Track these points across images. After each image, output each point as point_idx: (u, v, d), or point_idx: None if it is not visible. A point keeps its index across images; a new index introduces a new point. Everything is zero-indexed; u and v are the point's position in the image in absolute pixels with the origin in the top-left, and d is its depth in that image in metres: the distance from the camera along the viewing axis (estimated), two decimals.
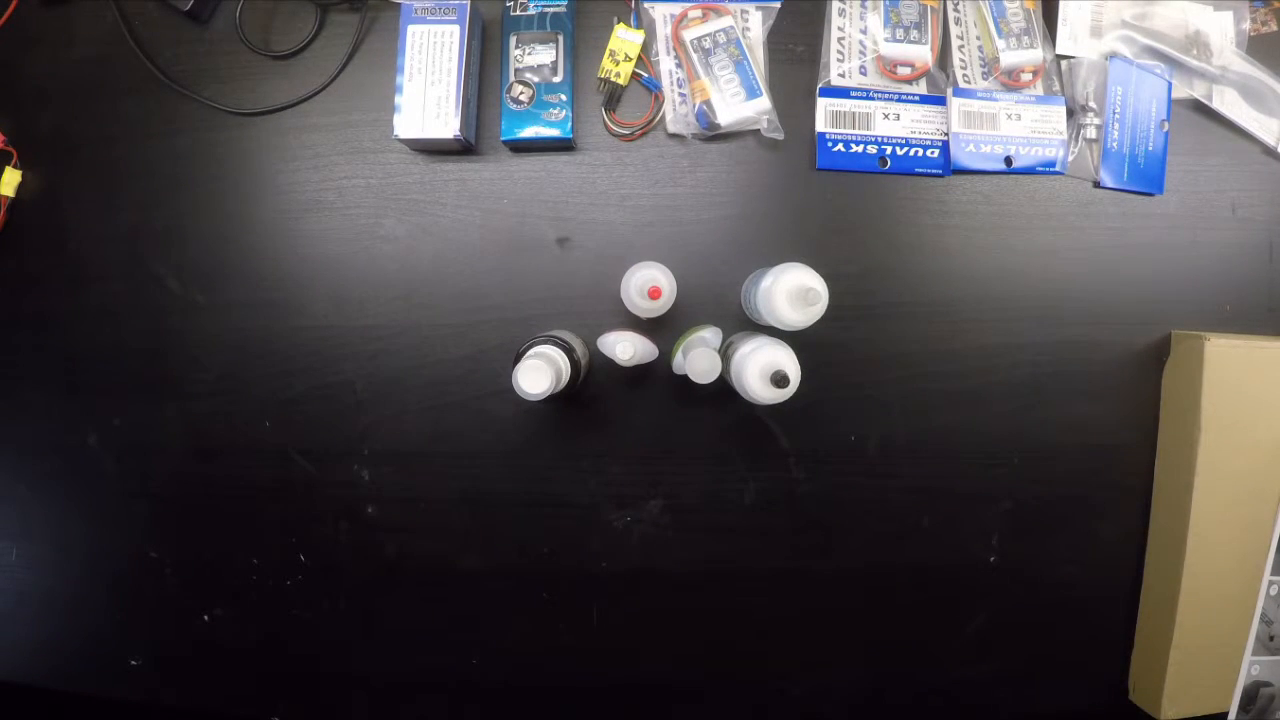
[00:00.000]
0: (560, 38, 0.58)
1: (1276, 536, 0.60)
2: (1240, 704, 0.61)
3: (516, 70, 0.58)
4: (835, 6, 0.61)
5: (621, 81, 0.59)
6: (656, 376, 0.60)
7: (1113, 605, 0.64)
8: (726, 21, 0.58)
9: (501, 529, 0.62)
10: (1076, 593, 0.64)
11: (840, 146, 0.60)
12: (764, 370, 0.49)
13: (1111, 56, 0.61)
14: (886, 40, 0.60)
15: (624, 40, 0.58)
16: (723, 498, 0.61)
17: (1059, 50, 0.62)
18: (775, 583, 0.63)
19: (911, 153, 0.61)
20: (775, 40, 0.60)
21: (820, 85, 0.60)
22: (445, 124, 0.55)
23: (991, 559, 0.63)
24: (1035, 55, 0.60)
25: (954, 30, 0.62)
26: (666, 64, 0.59)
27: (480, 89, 0.60)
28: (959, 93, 0.61)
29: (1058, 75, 0.62)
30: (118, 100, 0.60)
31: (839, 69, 0.61)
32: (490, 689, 0.63)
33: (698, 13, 0.59)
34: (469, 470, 0.61)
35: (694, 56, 0.57)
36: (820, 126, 0.60)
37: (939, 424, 0.62)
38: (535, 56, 0.58)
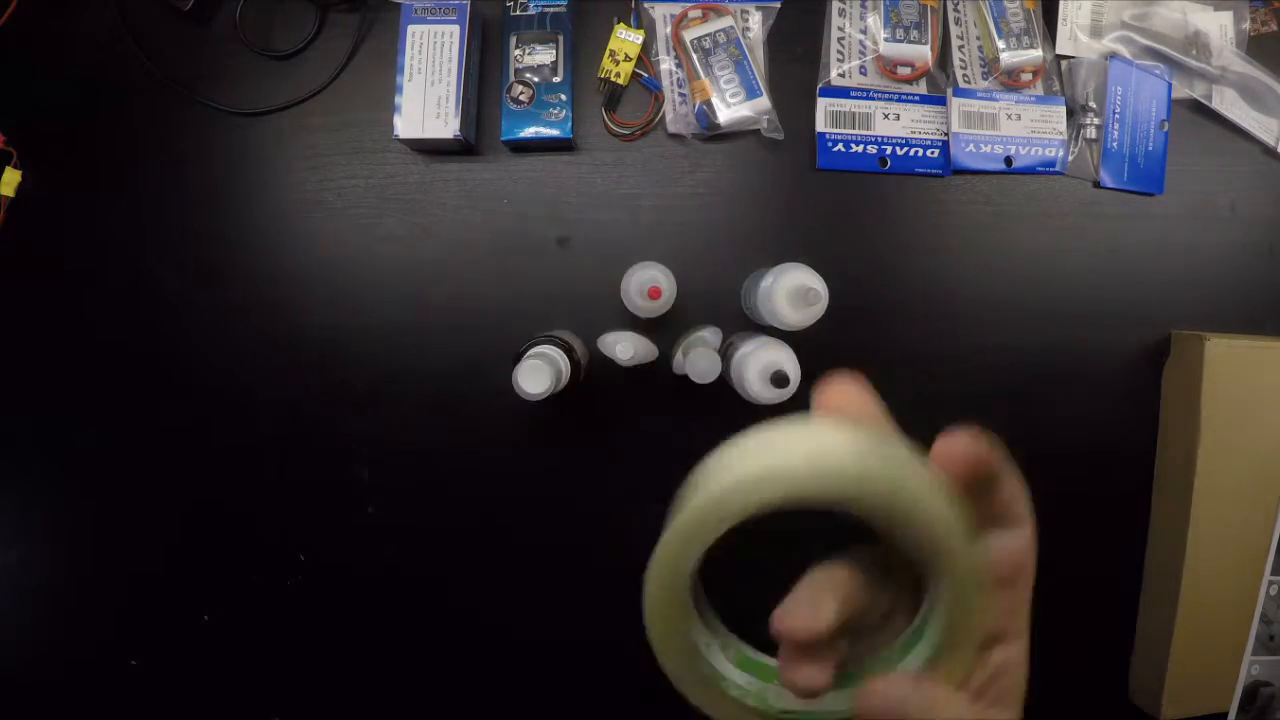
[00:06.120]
0: (560, 38, 0.58)
1: (1276, 536, 0.60)
2: (1240, 704, 0.61)
3: (516, 70, 0.58)
4: (835, 6, 0.61)
5: (621, 81, 0.59)
6: (656, 376, 0.60)
7: (1113, 605, 0.64)
8: (726, 21, 0.58)
9: (501, 529, 0.62)
10: (1076, 593, 0.63)
11: (840, 146, 0.60)
12: (764, 370, 0.49)
13: (1111, 57, 0.61)
14: (886, 40, 0.60)
15: (624, 40, 0.58)
16: None
17: (1059, 50, 0.62)
18: (775, 584, 0.62)
19: (911, 153, 0.61)
20: (775, 40, 0.60)
21: (820, 85, 0.60)
22: (445, 124, 0.55)
23: None
24: (1035, 55, 0.60)
25: (954, 30, 0.62)
26: (666, 64, 0.59)
27: (480, 89, 0.59)
28: (959, 93, 0.61)
29: (1058, 75, 0.62)
30: (118, 100, 0.60)
31: (839, 69, 0.61)
32: (491, 689, 0.63)
33: (698, 13, 0.59)
34: (469, 470, 0.61)
35: (694, 56, 0.57)
36: (820, 126, 0.60)
37: (939, 424, 0.61)
38: (535, 56, 0.58)
